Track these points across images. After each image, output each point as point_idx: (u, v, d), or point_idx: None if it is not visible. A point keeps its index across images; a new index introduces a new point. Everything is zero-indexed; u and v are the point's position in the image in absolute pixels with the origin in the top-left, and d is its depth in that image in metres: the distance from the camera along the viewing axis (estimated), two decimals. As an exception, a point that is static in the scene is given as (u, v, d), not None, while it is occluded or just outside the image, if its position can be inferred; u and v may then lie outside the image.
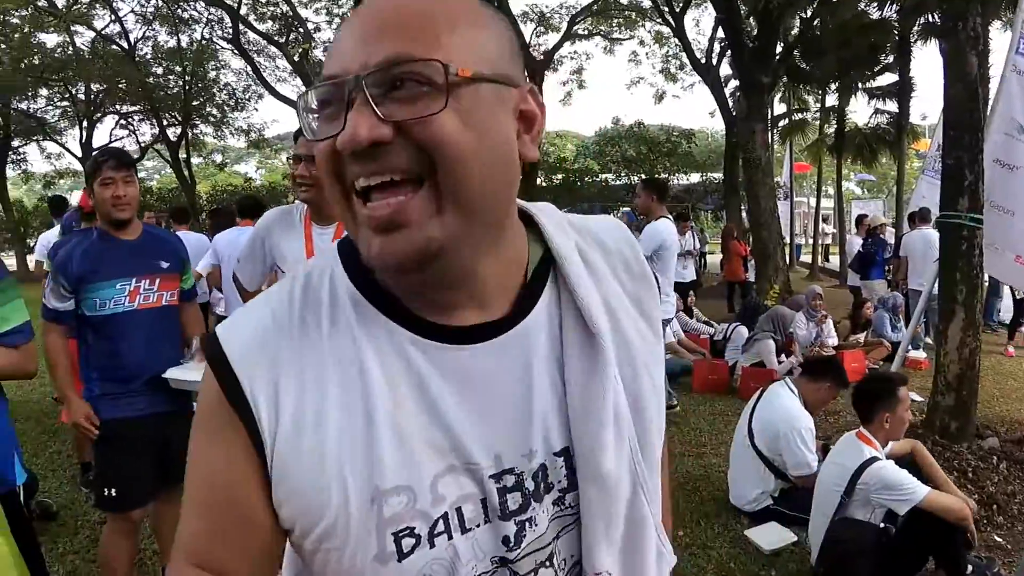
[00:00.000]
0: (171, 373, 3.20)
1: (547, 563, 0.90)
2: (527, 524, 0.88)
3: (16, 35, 20.39)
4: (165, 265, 3.32)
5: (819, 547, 3.74)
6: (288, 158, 3.22)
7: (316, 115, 0.81)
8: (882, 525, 3.71)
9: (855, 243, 12.84)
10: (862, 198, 37.18)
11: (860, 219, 13.32)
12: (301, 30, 23.07)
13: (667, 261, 6.05)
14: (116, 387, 3.17)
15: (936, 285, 6.18)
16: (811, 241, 26.54)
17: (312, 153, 2.88)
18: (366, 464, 0.81)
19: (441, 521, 0.83)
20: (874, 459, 3.64)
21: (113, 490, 3.17)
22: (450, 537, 0.84)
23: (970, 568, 3.74)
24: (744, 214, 17.24)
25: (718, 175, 26.59)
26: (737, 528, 4.49)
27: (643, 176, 20.09)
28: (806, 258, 26.38)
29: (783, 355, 7.94)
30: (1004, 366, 9.20)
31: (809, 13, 16.20)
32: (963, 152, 5.44)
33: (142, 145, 29.71)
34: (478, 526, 0.86)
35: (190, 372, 3.22)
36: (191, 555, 0.89)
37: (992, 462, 5.11)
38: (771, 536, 4.30)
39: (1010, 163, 5.73)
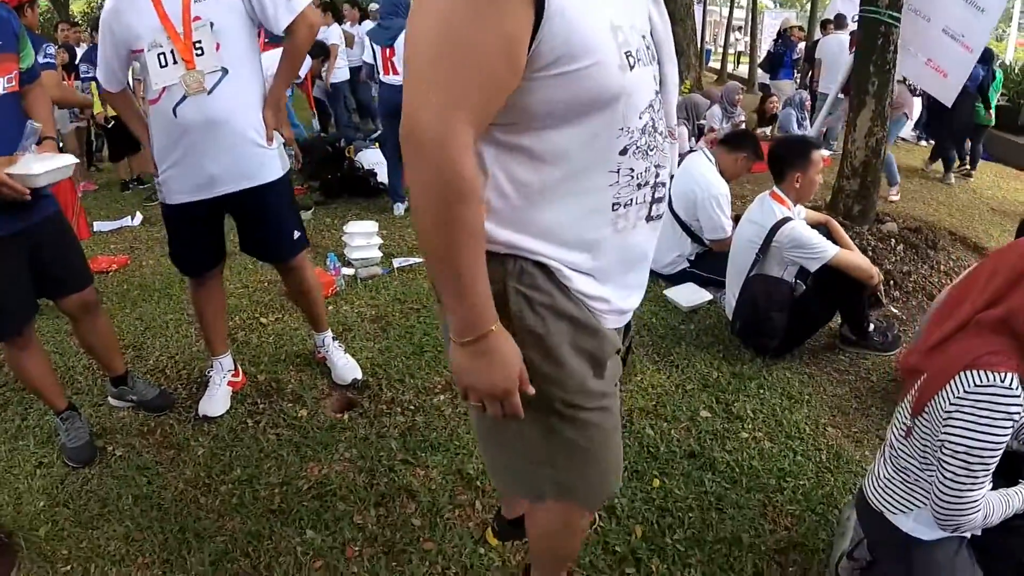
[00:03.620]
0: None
1: (657, 107, 1.41)
2: (654, 76, 1.39)
3: None
4: None
5: (734, 302, 3.94)
6: None
7: None
8: (795, 282, 3.93)
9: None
10: (774, 10, 36.84)
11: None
12: None
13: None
14: None
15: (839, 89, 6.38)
16: (720, 49, 26.39)
17: None
18: (604, 15, 1.24)
19: (636, 52, 1.30)
20: (787, 219, 3.78)
21: None
22: (642, 65, 1.32)
23: (872, 326, 4.03)
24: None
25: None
26: (656, 289, 4.70)
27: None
28: (715, 64, 26.33)
29: (695, 141, 8.07)
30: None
31: None
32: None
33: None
34: (647, 64, 1.35)
35: (28, 164, 2.67)
36: (468, 112, 1.18)
37: (890, 244, 5.39)
38: (689, 295, 4.53)
39: (931, -30, 5.81)
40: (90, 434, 3.18)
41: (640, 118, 1.34)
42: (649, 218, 1.46)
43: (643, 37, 1.35)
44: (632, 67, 1.28)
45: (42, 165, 2.69)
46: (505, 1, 1.13)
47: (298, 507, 2.76)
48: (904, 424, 2.05)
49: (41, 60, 3.94)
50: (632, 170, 1.36)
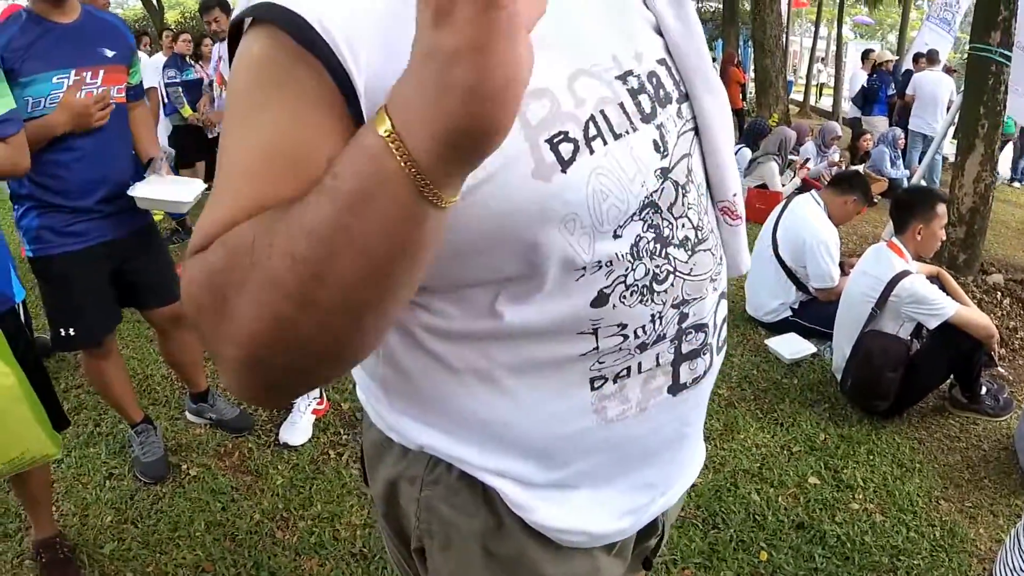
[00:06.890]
0: (138, 191, 2.68)
1: (691, 178, 0.90)
2: (663, 129, 0.85)
3: None
4: (110, 54, 2.64)
5: (846, 358, 3.71)
6: None
7: None
8: (910, 339, 3.69)
9: (859, 77, 12.51)
10: (856, 41, 36.16)
11: (866, 53, 12.94)
12: None
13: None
14: (59, 214, 2.60)
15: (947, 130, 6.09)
16: (802, 80, 25.92)
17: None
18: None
19: (591, 124, 0.76)
20: (906, 272, 3.57)
21: (70, 330, 2.72)
22: (605, 142, 0.78)
23: (984, 389, 3.78)
24: (740, 43, 16.65)
25: (714, 3, 25.53)
26: (756, 338, 4.49)
27: None
28: (796, 96, 25.89)
29: (786, 176, 7.85)
30: (998, 215, 9.13)
31: None
32: (999, -14, 5.16)
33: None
34: (627, 132, 0.80)
35: (160, 188, 2.73)
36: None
37: (996, 297, 5.12)
38: (792, 346, 4.31)
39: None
40: (164, 449, 3.09)
41: (617, 237, 0.81)
42: (677, 388, 0.94)
43: (629, 76, 0.82)
44: (570, 160, 0.75)
45: (187, 191, 2.77)
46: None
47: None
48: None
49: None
50: (623, 326, 0.85)
